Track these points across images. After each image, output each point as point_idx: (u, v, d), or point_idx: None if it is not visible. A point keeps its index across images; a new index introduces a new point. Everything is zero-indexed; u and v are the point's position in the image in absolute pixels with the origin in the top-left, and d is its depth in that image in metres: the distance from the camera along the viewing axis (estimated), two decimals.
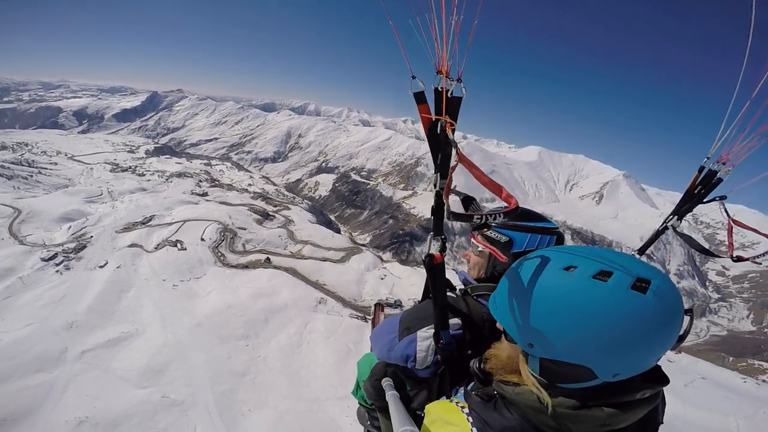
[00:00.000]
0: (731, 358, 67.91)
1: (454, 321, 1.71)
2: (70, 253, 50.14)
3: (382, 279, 61.28)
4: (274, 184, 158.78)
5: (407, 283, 61.21)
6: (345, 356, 35.72)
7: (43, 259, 47.61)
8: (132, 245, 54.15)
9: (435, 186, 1.33)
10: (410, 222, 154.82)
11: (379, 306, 3.37)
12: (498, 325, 1.34)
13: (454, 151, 1.27)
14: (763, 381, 45.48)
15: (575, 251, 1.18)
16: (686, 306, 1.12)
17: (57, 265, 47.07)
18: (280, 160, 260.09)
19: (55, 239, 55.18)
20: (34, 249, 50.70)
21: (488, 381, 1.38)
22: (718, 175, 1.73)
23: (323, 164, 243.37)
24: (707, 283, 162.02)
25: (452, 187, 1.35)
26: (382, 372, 1.78)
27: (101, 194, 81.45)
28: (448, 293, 1.79)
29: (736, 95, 1.44)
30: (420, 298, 2.21)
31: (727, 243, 1.87)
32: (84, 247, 52.26)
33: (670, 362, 41.15)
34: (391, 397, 1.57)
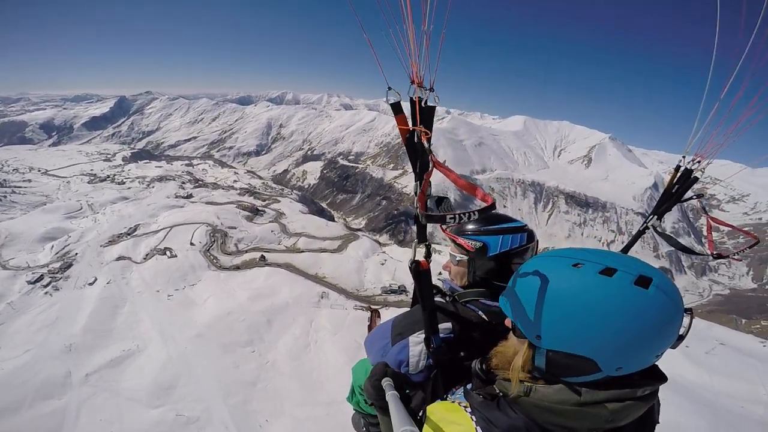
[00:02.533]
0: (743, 320, 68.27)
1: (445, 325, 1.76)
2: (57, 272, 47.96)
3: (382, 264, 60.21)
4: (261, 178, 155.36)
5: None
6: (355, 352, 34.65)
7: (30, 282, 45.49)
8: (120, 258, 52.04)
9: (415, 194, 1.39)
10: (403, 201, 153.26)
11: (376, 312, 3.53)
12: (507, 321, 1.39)
13: (429, 158, 1.35)
14: None
15: (582, 252, 1.26)
16: (686, 306, 1.19)
17: (45, 286, 45.02)
18: (263, 152, 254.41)
19: (39, 260, 52.73)
20: (19, 272, 48.47)
21: (490, 381, 1.41)
22: (694, 173, 1.84)
23: (309, 152, 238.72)
24: (703, 240, 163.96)
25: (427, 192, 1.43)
26: (383, 372, 1.76)
27: (81, 208, 78.25)
28: (438, 298, 1.90)
29: (705, 97, 1.51)
30: (411, 301, 2.20)
31: (707, 240, 1.86)
32: (70, 265, 50.01)
33: (684, 328, 40.95)
34: (392, 396, 1.57)
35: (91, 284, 45.38)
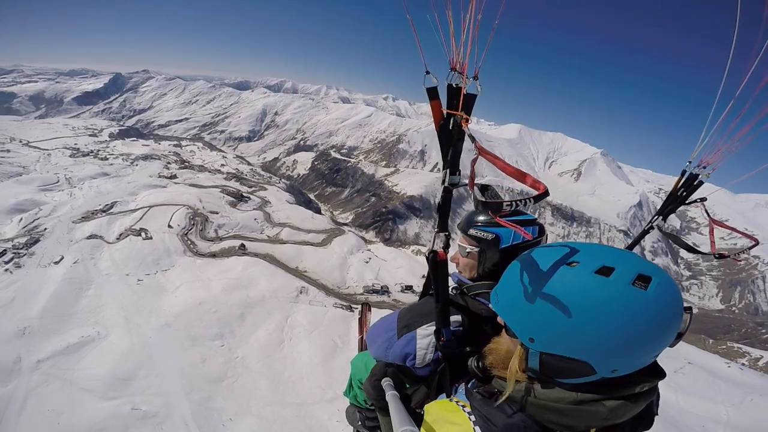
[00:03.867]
0: (711, 341, 70.00)
1: (455, 318, 1.72)
2: (21, 248, 45.32)
3: (366, 263, 58.81)
4: (249, 164, 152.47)
5: (393, 266, 58.93)
6: (331, 353, 33.35)
7: None
8: (91, 236, 49.55)
9: (443, 182, 1.37)
10: (393, 199, 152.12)
11: (367, 306, 3.43)
12: (499, 319, 1.35)
13: (473, 145, 1.30)
14: (743, 365, 47.15)
15: (578, 247, 1.20)
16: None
17: (6, 263, 42.40)
18: (255, 139, 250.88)
19: (5, 233, 50.00)
20: None
21: (487, 378, 1.40)
22: (699, 178, 1.85)
23: (301, 142, 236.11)
24: (679, 261, 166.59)
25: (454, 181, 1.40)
26: (382, 372, 1.76)
27: (58, 181, 75.12)
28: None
29: (716, 103, 1.52)
30: (420, 293, 2.20)
31: (709, 240, 1.98)
32: (37, 241, 47.40)
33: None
34: (392, 397, 1.56)
35: (56, 263, 42.94)
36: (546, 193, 1.14)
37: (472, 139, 1.29)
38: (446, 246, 1.51)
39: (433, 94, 1.29)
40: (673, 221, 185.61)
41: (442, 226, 1.49)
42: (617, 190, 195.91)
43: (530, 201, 1.17)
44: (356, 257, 59.56)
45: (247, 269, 47.01)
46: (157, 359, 30.96)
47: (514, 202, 1.19)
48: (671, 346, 1.12)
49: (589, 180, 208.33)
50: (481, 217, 1.96)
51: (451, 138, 1.34)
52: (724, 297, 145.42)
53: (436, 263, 1.49)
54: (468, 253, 2.02)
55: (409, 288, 52.41)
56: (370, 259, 60.59)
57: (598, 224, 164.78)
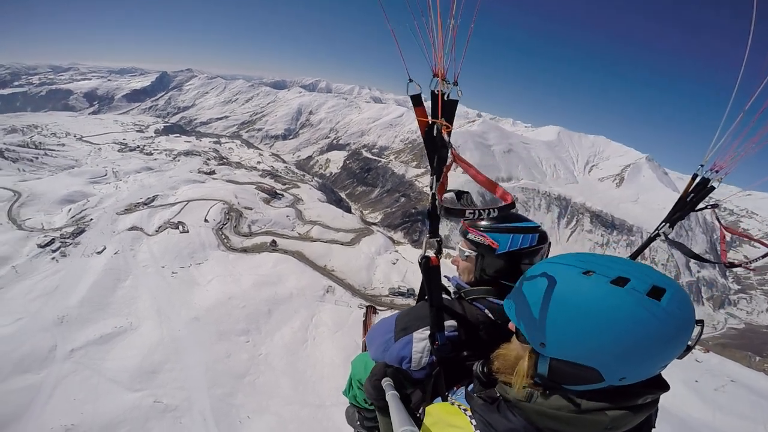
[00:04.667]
0: (758, 358, 64.49)
1: (450, 323, 1.74)
2: (68, 238, 48.02)
3: (393, 264, 58.11)
4: (284, 162, 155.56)
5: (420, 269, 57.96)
6: (353, 354, 31.77)
7: (40, 246, 45.64)
8: (132, 228, 51.82)
9: (431, 189, 1.40)
10: (423, 200, 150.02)
11: (372, 308, 3.51)
12: (510, 325, 1.38)
13: (449, 152, 1.34)
14: None
15: (594, 258, 1.23)
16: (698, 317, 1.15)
17: (53, 251, 45.01)
18: (290, 137, 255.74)
19: (55, 223, 53.23)
20: (32, 234, 48.79)
21: (491, 383, 1.41)
22: (711, 182, 1.80)
23: (334, 141, 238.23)
24: (728, 274, 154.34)
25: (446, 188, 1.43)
26: (382, 372, 1.81)
27: (105, 174, 79.46)
28: (443, 296, 1.82)
29: (730, 106, 1.51)
30: (417, 296, 2.21)
31: (720, 249, 1.88)
32: (83, 231, 50.09)
33: (698, 362, 39.73)
34: (392, 397, 1.59)
35: (99, 253, 45.11)
36: (512, 205, 1.24)
37: (449, 145, 1.31)
38: (438, 251, 1.50)
39: (416, 101, 1.29)
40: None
41: (434, 232, 1.47)
42: (663, 197, 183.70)
43: (494, 211, 1.24)
44: (383, 258, 59.00)
45: (277, 266, 47.51)
46: (183, 353, 31.62)
47: (477, 211, 1.24)
48: (679, 358, 1.12)
49: (633, 186, 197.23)
50: (483, 222, 1.96)
51: (435, 145, 1.33)
52: None
53: (429, 269, 1.49)
54: (467, 256, 2.04)
55: None
56: (397, 260, 59.83)
57: (641, 233, 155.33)
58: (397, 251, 65.38)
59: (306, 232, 64.67)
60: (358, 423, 2.49)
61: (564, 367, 1.14)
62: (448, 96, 1.29)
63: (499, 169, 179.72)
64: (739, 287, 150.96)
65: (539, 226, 1.97)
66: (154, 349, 31.60)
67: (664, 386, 1.20)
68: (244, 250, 52.23)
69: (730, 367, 40.14)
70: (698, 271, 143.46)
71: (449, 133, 1.32)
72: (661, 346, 1.05)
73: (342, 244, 61.01)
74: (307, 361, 32.67)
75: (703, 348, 46.78)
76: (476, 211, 1.24)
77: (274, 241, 55.94)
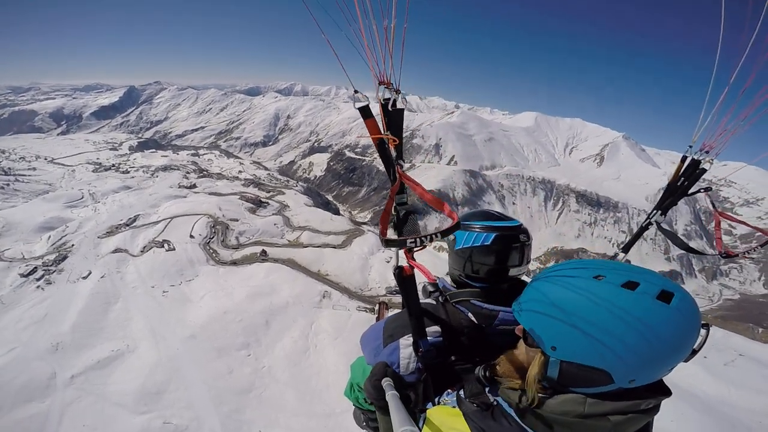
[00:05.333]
0: (760, 330, 66.42)
1: (433, 328, 1.74)
2: (51, 265, 46.33)
3: (388, 262, 57.85)
4: (266, 169, 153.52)
5: None
6: (356, 358, 32.57)
7: (22, 275, 43.91)
8: (116, 250, 50.29)
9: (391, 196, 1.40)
10: (410, 195, 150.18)
11: (384, 304, 3.38)
12: (517, 329, 1.39)
13: (395, 169, 1.33)
14: None
15: (603, 264, 1.26)
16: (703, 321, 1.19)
17: (37, 280, 43.35)
18: (270, 143, 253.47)
19: (35, 252, 51.23)
20: (13, 264, 46.92)
21: (491, 388, 1.43)
22: (702, 164, 1.74)
23: (316, 144, 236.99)
24: (714, 245, 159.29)
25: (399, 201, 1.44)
26: (383, 372, 1.77)
27: (82, 197, 76.89)
28: (429, 300, 1.92)
29: (713, 80, 1.46)
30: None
31: (715, 237, 1.82)
32: (65, 257, 48.39)
33: (700, 340, 39.22)
34: (392, 396, 1.58)
35: (84, 278, 43.68)
36: (457, 226, 1.25)
37: (396, 163, 1.29)
38: (412, 259, 1.48)
39: (365, 113, 1.25)
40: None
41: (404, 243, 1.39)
42: (643, 173, 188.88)
43: (437, 236, 1.23)
44: (377, 257, 58.70)
45: (270, 276, 46.79)
46: (184, 372, 30.87)
47: (418, 239, 1.22)
48: (685, 361, 1.15)
49: (613, 164, 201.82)
50: (469, 218, 1.97)
51: (389, 158, 1.31)
52: (767, 280, 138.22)
53: (403, 278, 1.47)
54: (448, 252, 2.07)
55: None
56: (391, 258, 59.63)
57: (626, 209, 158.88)
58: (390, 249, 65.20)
59: (296, 238, 63.90)
60: (364, 423, 2.49)
61: (574, 370, 1.15)
62: (393, 105, 1.24)
63: (482, 158, 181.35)
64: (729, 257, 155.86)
65: (504, 227, 1.90)
66: (154, 370, 30.77)
67: (667, 392, 1.21)
68: (234, 263, 51.27)
69: (735, 340, 40.30)
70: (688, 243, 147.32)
71: (397, 147, 1.30)
72: (671, 349, 1.07)
73: (334, 248, 60.48)
74: (311, 370, 32.23)
75: (706, 322, 47.63)
76: (417, 240, 1.21)
77: (263, 251, 55.08)
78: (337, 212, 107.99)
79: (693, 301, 1.12)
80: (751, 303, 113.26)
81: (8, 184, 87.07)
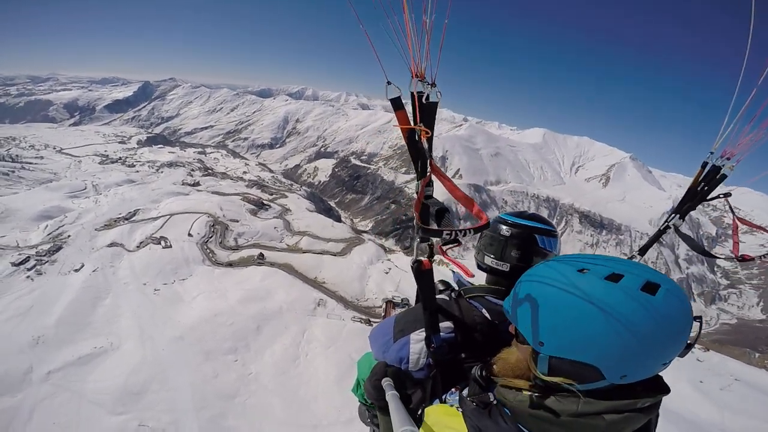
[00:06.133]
0: (757, 355, 64.94)
1: (446, 324, 1.74)
2: (44, 255, 45.73)
3: (386, 273, 56.89)
4: (271, 171, 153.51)
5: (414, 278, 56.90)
6: (348, 370, 31.45)
7: (14, 264, 43.29)
8: (112, 244, 49.69)
9: (417, 193, 1.40)
10: (413, 206, 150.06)
11: (390, 303, 3.39)
12: (510, 327, 1.39)
13: (428, 162, 1.33)
14: None
15: (587, 257, 1.25)
16: (695, 313, 1.15)
17: (28, 270, 42.73)
18: (277, 146, 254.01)
19: (30, 240, 50.75)
20: (6, 252, 46.39)
21: (489, 387, 1.41)
22: (723, 171, 1.71)
23: (322, 149, 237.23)
24: (716, 269, 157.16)
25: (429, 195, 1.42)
26: (383, 372, 1.78)
27: (85, 188, 76.76)
28: (442, 296, 1.93)
29: (739, 86, 1.44)
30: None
31: (732, 241, 1.83)
32: (59, 248, 47.81)
33: (700, 361, 39.53)
34: (391, 397, 1.58)
35: (77, 270, 43.01)
36: (487, 225, 1.27)
37: (428, 155, 1.29)
38: (430, 255, 1.48)
39: (396, 104, 1.25)
40: (709, 227, 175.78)
41: (440, 233, 1.39)
42: (648, 195, 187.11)
43: (470, 232, 1.25)
44: (376, 267, 57.76)
45: (265, 280, 45.93)
46: (168, 373, 29.94)
47: (453, 232, 1.24)
48: (681, 356, 1.13)
49: (619, 185, 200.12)
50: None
51: (418, 150, 1.31)
52: (765, 306, 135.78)
53: (421, 272, 1.48)
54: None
55: None
56: (390, 269, 58.63)
57: (629, 231, 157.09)
58: (389, 260, 64.22)
59: (295, 243, 63.14)
60: (369, 420, 2.45)
61: (564, 366, 1.14)
62: (427, 98, 1.24)
63: (487, 173, 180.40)
64: (728, 282, 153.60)
65: (516, 224, 1.97)
66: (137, 369, 29.92)
67: (665, 389, 1.18)
68: (230, 265, 50.49)
69: (732, 365, 40.08)
70: (687, 268, 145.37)
71: (429, 139, 1.27)
72: (658, 341, 1.04)
73: (333, 255, 59.60)
74: (300, 379, 31.18)
75: (703, 346, 46.67)
76: (453, 232, 1.24)
77: (261, 254, 54.30)
78: (338, 219, 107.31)
79: (682, 293, 1.09)
80: (749, 328, 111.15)
81: (13, 171, 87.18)
